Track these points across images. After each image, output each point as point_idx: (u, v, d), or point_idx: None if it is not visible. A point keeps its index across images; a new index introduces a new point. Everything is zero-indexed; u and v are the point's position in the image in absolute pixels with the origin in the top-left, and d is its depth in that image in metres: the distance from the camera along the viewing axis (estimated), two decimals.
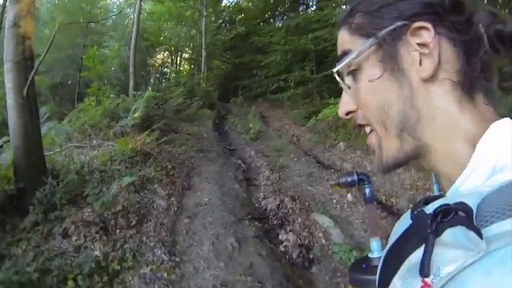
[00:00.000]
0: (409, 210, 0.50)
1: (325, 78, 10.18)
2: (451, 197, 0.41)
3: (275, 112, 14.31)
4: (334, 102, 7.99)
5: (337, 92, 9.29)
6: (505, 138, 0.39)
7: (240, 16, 17.40)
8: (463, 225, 0.33)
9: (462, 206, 0.35)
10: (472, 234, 0.32)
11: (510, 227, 0.31)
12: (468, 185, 0.41)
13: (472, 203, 0.35)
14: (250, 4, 16.99)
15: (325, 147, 9.33)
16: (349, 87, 0.52)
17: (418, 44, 0.45)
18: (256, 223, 4.52)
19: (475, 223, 0.33)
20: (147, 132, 6.01)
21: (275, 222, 4.70)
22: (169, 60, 19.46)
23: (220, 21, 17.67)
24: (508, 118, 0.42)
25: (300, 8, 15.12)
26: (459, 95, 0.44)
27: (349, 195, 6.02)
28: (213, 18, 17.04)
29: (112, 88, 13.08)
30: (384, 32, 0.46)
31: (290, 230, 4.39)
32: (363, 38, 0.49)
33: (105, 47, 15.08)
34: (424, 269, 0.34)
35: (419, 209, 0.45)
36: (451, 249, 0.33)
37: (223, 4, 16.99)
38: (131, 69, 11.24)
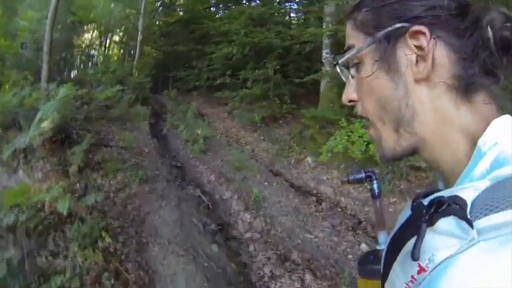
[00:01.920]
0: (410, 202, 0.51)
1: (286, 80, 8.32)
2: (448, 191, 0.40)
3: (214, 110, 11.99)
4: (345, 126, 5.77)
5: (299, 98, 7.38)
6: (505, 134, 0.38)
7: (182, 0, 14.28)
8: (456, 216, 0.34)
9: (455, 199, 0.35)
10: (464, 223, 0.32)
11: (502, 219, 0.31)
12: (470, 180, 0.38)
13: (468, 196, 0.35)
14: None
15: (289, 162, 7.52)
16: (353, 77, 0.51)
17: (416, 47, 0.43)
18: None
19: (468, 215, 0.33)
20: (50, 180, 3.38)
21: None
22: (97, 42, 15.37)
23: (159, 3, 14.29)
24: (508, 115, 0.41)
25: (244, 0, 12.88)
26: (454, 96, 0.43)
27: (363, 245, 4.36)
28: None
29: (21, 73, 9.25)
30: (382, 32, 0.45)
31: None
32: (365, 35, 0.48)
33: (23, 19, 10.84)
34: (415, 253, 0.35)
35: (418, 201, 0.47)
36: (444, 236, 0.34)
37: None
38: (45, 48, 7.87)
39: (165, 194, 4.48)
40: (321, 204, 5.64)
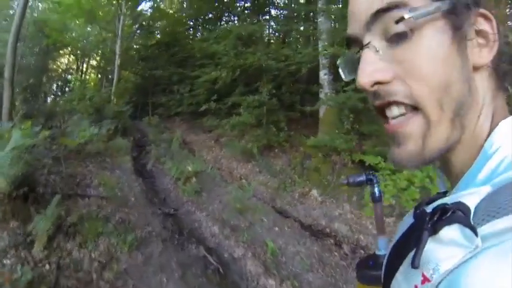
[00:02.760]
0: (413, 209, 0.47)
1: (281, 104, 7.54)
2: (451, 197, 0.37)
3: (199, 137, 11.01)
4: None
5: (293, 123, 6.48)
6: (509, 138, 0.36)
7: (160, 22, 13.33)
8: (460, 223, 0.32)
9: (459, 206, 0.33)
10: (468, 231, 0.31)
11: (505, 224, 0.29)
12: (474, 184, 0.36)
13: (471, 202, 0.33)
14: (172, 10, 13.11)
15: (293, 197, 6.64)
16: (377, 50, 0.38)
17: (476, 31, 0.38)
18: None
19: (472, 222, 0.31)
20: None
21: None
22: (74, 66, 14.11)
23: (136, 26, 13.25)
24: None
25: (223, 21, 12.17)
26: (494, 82, 0.39)
27: None
28: (130, 22, 12.68)
29: None
30: (457, 1, 0.37)
31: None
32: None
33: None
34: (415, 262, 0.33)
35: (421, 208, 0.44)
36: (448, 246, 0.32)
37: (139, 8, 12.79)
38: (6, 74, 6.66)
39: (164, 263, 3.47)
40: (341, 247, 4.81)
